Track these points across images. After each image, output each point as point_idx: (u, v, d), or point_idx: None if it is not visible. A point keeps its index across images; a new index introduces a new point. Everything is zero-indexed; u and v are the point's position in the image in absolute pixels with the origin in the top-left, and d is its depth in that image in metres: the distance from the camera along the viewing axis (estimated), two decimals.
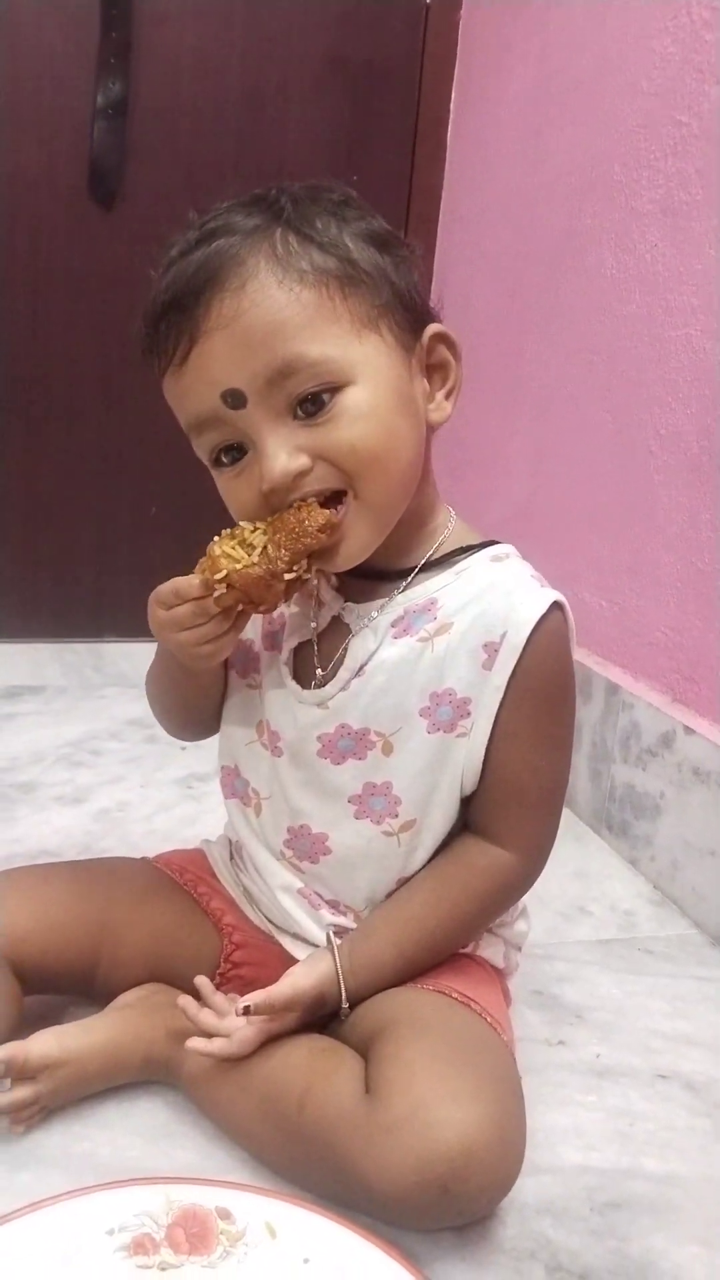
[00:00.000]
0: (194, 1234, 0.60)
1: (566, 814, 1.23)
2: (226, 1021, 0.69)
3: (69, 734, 1.42)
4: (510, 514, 1.46)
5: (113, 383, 1.69)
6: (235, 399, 0.63)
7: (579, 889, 1.11)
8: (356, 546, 0.66)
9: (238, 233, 0.64)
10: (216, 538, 0.65)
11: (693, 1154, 0.74)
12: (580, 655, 1.27)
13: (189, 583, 0.65)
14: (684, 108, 1.12)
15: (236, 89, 1.64)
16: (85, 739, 1.41)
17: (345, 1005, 0.70)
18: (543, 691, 0.69)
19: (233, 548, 0.64)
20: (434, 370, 0.69)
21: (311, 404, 0.63)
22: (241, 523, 0.65)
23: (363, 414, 0.64)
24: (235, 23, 1.61)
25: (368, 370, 0.64)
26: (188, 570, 0.70)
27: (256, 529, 0.65)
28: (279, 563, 0.63)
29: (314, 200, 0.66)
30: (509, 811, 0.71)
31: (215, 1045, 0.68)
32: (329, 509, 0.64)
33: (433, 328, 0.68)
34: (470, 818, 0.72)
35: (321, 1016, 0.71)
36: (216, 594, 0.64)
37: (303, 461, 0.64)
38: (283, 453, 0.63)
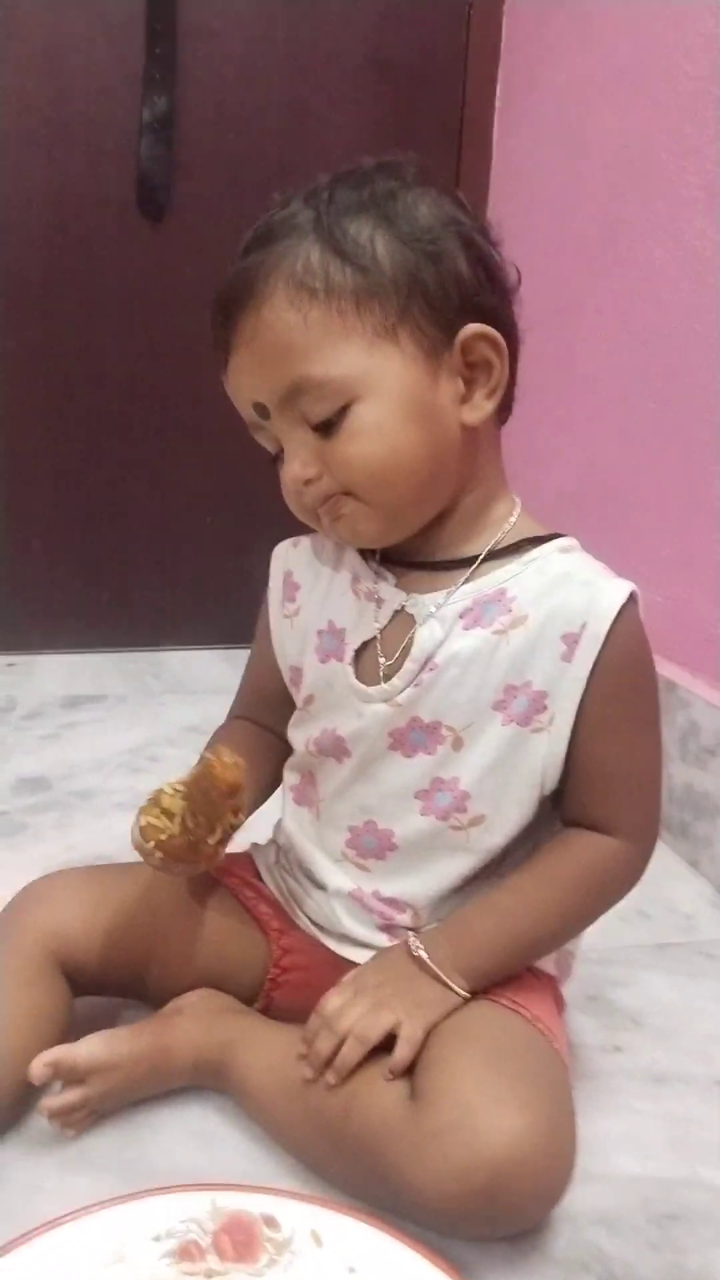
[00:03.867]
0: (239, 1241, 0.60)
1: None
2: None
3: (129, 741, 1.44)
4: (561, 508, 1.43)
5: (166, 395, 1.71)
6: (261, 411, 0.68)
7: (637, 891, 1.05)
8: (365, 536, 0.70)
9: (276, 242, 0.65)
10: (145, 804, 0.66)
11: None
12: None
13: (137, 840, 0.68)
14: None
15: (280, 97, 1.65)
16: (144, 745, 1.42)
17: (458, 982, 0.68)
18: (631, 679, 0.68)
19: (156, 816, 0.65)
20: (476, 368, 0.67)
21: (322, 422, 0.65)
22: (163, 786, 0.66)
23: (366, 431, 0.65)
24: (277, 31, 1.62)
25: (377, 384, 0.64)
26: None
27: (177, 791, 0.65)
28: (199, 830, 0.64)
29: (358, 190, 0.66)
30: (613, 800, 0.70)
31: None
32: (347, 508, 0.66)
33: (470, 329, 0.66)
34: (571, 812, 0.71)
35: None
36: (156, 856, 0.67)
37: (311, 471, 0.67)
38: (296, 461, 0.67)
